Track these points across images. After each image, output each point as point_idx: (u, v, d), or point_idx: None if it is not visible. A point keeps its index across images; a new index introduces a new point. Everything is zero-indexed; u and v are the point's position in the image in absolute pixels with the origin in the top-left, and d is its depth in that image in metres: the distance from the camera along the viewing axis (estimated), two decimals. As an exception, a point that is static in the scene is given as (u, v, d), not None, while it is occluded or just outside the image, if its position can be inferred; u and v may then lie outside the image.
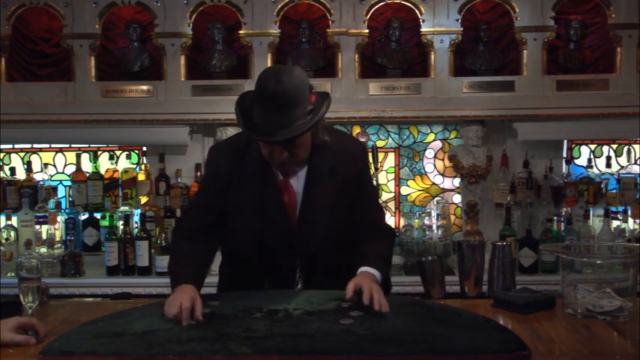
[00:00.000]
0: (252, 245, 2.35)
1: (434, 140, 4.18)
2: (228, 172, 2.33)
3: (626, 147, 4.06)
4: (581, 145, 4.18)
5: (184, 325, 2.00)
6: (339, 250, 2.38)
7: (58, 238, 3.81)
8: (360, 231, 2.41)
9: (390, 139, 4.16)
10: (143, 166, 4.01)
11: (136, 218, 3.85)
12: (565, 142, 4.12)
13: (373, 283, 2.17)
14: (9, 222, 3.79)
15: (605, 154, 4.13)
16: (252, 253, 2.35)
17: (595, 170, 4.05)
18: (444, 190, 4.20)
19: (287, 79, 2.08)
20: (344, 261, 2.36)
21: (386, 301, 2.09)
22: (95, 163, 4.01)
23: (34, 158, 4.18)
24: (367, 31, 3.86)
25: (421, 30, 3.86)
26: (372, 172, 3.79)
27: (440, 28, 3.85)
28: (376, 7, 3.89)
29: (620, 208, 3.82)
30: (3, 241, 3.75)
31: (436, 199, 4.17)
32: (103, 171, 4.02)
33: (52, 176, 4.18)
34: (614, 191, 3.87)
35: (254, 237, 2.34)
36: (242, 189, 2.31)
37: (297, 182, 2.32)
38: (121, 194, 3.97)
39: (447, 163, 4.11)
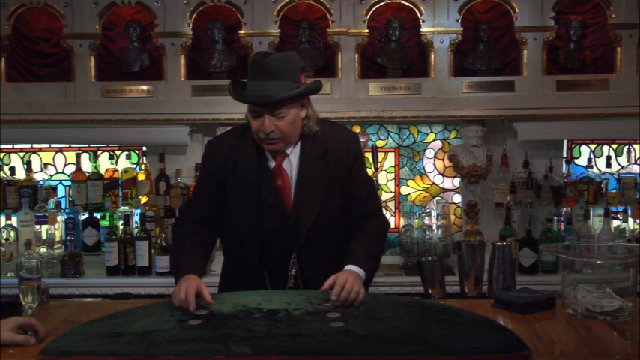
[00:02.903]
0: (251, 232, 2.40)
1: (434, 140, 4.18)
2: (225, 161, 2.42)
3: (626, 147, 4.05)
4: (581, 145, 4.18)
5: (191, 310, 2.08)
6: (333, 236, 2.44)
7: (58, 238, 3.81)
8: (354, 219, 2.46)
9: (390, 139, 4.16)
10: (143, 166, 4.01)
11: (136, 218, 3.84)
12: (565, 142, 4.12)
13: (351, 278, 2.21)
14: (9, 222, 3.78)
15: (605, 154, 4.13)
16: (251, 240, 2.40)
17: (595, 170, 4.05)
18: (444, 190, 4.20)
19: (275, 54, 2.32)
20: (338, 248, 2.41)
21: (360, 291, 2.17)
22: (95, 163, 4.01)
23: (34, 158, 4.18)
24: (367, 31, 3.86)
25: (421, 30, 3.86)
26: (371, 172, 3.82)
27: (440, 28, 3.85)
28: (376, 7, 3.89)
29: (620, 208, 3.82)
30: (3, 241, 3.75)
31: (436, 199, 4.17)
32: (103, 171, 4.01)
33: (52, 176, 4.18)
34: (614, 191, 3.87)
35: (252, 224, 2.39)
36: (238, 176, 2.39)
37: (291, 168, 2.41)
38: (121, 194, 3.97)
39: (447, 163, 4.11)
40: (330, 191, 2.41)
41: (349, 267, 2.30)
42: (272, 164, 2.40)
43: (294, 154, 2.40)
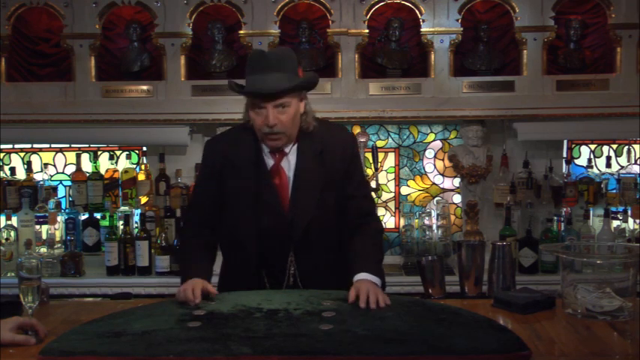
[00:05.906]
0: (249, 230, 2.42)
1: (434, 140, 4.18)
2: (223, 160, 2.44)
3: (626, 147, 4.05)
4: (581, 145, 4.18)
5: (197, 302, 2.14)
6: (329, 236, 2.46)
7: (58, 238, 3.81)
8: (352, 218, 2.47)
9: (390, 139, 4.16)
10: (143, 166, 4.01)
11: (136, 218, 3.84)
12: (565, 142, 4.12)
13: (372, 288, 2.21)
14: (9, 222, 3.78)
15: (605, 154, 4.13)
16: (249, 239, 2.42)
17: (595, 170, 4.05)
18: (444, 190, 4.20)
19: (272, 49, 2.42)
20: (335, 248, 2.44)
21: (384, 296, 2.19)
22: (95, 163, 4.01)
23: (34, 158, 4.18)
24: (367, 31, 3.86)
25: (421, 30, 3.86)
26: (371, 172, 3.82)
27: (440, 28, 3.85)
28: (376, 7, 3.88)
29: (620, 208, 3.82)
30: (3, 241, 3.75)
31: (436, 199, 4.17)
32: (103, 171, 4.01)
33: (52, 176, 4.18)
34: (614, 191, 3.86)
35: (250, 222, 2.41)
36: (237, 175, 2.42)
37: (288, 167, 2.43)
38: (121, 194, 3.97)
39: (447, 163, 4.11)
40: (326, 190, 2.43)
41: (364, 275, 2.30)
42: (270, 163, 2.42)
43: (292, 153, 2.43)
